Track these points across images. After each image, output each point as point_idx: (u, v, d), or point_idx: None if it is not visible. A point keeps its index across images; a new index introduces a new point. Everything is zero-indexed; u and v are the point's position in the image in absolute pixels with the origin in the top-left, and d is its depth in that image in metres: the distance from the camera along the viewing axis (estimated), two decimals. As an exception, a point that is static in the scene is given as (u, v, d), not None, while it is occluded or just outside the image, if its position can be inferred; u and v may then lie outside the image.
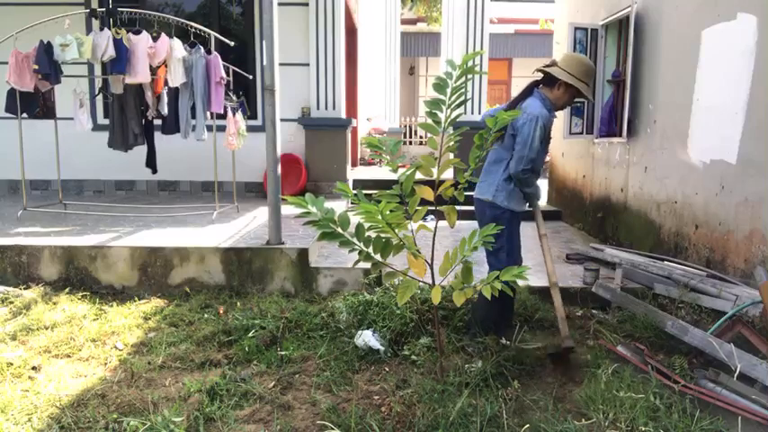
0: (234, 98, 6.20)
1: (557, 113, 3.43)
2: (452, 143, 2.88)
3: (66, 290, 4.52)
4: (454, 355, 3.34)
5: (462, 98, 2.79)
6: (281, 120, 4.91)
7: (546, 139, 3.30)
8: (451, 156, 3.04)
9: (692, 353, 3.28)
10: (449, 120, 2.80)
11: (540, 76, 3.42)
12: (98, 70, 6.90)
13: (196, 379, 3.06)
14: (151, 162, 6.34)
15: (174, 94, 5.82)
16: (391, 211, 2.62)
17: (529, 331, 3.66)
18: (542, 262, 4.96)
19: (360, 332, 3.51)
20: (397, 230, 2.71)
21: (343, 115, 7.78)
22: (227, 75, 5.96)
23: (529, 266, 2.85)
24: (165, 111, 5.87)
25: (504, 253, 3.33)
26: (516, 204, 3.36)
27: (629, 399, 2.73)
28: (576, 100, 3.72)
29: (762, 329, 3.29)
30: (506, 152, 3.32)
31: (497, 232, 3.26)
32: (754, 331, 3.19)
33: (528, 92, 3.37)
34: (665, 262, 4.54)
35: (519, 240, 3.44)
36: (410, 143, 15.22)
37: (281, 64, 4.89)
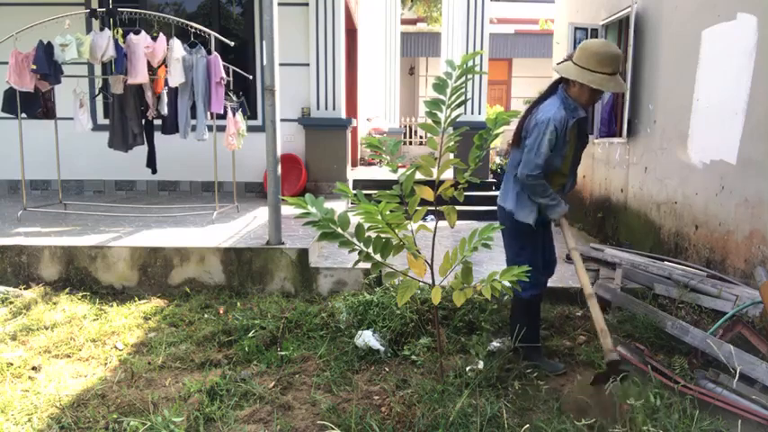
0: (234, 98, 6.20)
1: (583, 112, 3.08)
2: (452, 143, 2.88)
3: (67, 290, 4.52)
4: (454, 355, 3.34)
5: (462, 98, 2.79)
6: (281, 120, 4.91)
7: (562, 143, 3.01)
8: (451, 156, 3.04)
9: (693, 353, 3.28)
10: (449, 120, 2.81)
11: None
12: (98, 70, 6.91)
13: (196, 379, 3.06)
14: (151, 162, 6.34)
15: (174, 94, 5.82)
16: (391, 211, 2.62)
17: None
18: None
19: (360, 332, 3.51)
20: (397, 230, 2.71)
21: (344, 115, 7.78)
22: (228, 75, 5.96)
23: (528, 267, 2.84)
24: (165, 111, 5.87)
25: (523, 260, 3.11)
26: (533, 218, 3.13)
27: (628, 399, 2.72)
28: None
29: (762, 330, 3.29)
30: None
31: (521, 243, 3.18)
32: (755, 331, 3.19)
33: (552, 89, 3.12)
34: (665, 262, 4.54)
35: (541, 252, 3.26)
36: (410, 143, 15.23)
37: (281, 64, 4.89)
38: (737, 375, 2.86)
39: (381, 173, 9.54)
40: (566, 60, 3.09)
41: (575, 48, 6.32)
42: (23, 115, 5.82)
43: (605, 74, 2.92)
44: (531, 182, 3.01)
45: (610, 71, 2.93)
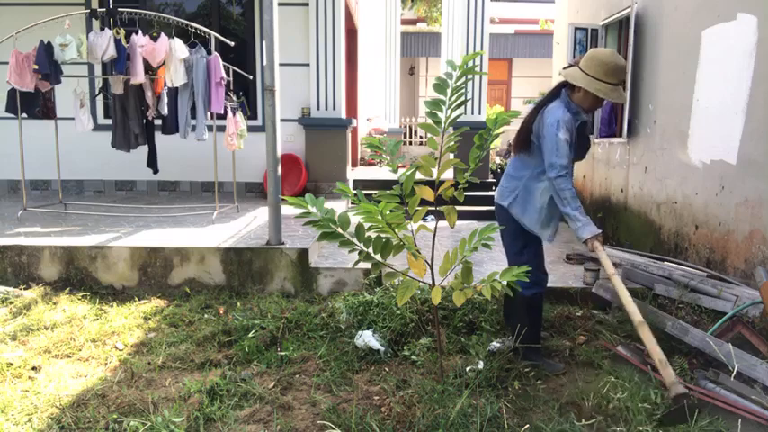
0: (234, 98, 6.20)
1: (586, 116, 3.16)
2: (452, 143, 2.88)
3: (67, 290, 4.52)
4: (454, 355, 3.34)
5: (462, 98, 2.79)
6: (281, 120, 4.91)
7: (574, 141, 3.05)
8: (451, 156, 3.04)
9: (693, 353, 3.28)
10: (449, 120, 2.81)
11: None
12: (98, 70, 6.92)
13: (196, 379, 3.06)
14: (152, 162, 6.34)
15: (174, 94, 5.82)
16: (391, 211, 2.62)
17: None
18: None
19: (360, 332, 3.51)
20: (397, 231, 2.71)
21: (344, 115, 7.78)
22: (228, 75, 5.96)
23: (528, 267, 2.84)
24: (165, 111, 5.88)
25: (525, 259, 3.13)
26: (531, 223, 3.15)
27: (628, 399, 2.73)
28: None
29: (762, 330, 3.29)
30: (531, 160, 3.13)
31: (523, 242, 3.17)
32: (755, 332, 3.19)
33: (555, 93, 3.16)
34: (665, 262, 4.54)
35: (543, 250, 3.27)
36: (410, 143, 15.23)
37: (281, 64, 4.89)
38: (734, 373, 2.86)
39: (381, 173, 9.55)
40: (572, 66, 3.14)
41: (574, 48, 6.38)
42: (23, 115, 5.82)
43: (610, 84, 3.00)
44: (560, 184, 2.98)
45: (615, 81, 3.01)
